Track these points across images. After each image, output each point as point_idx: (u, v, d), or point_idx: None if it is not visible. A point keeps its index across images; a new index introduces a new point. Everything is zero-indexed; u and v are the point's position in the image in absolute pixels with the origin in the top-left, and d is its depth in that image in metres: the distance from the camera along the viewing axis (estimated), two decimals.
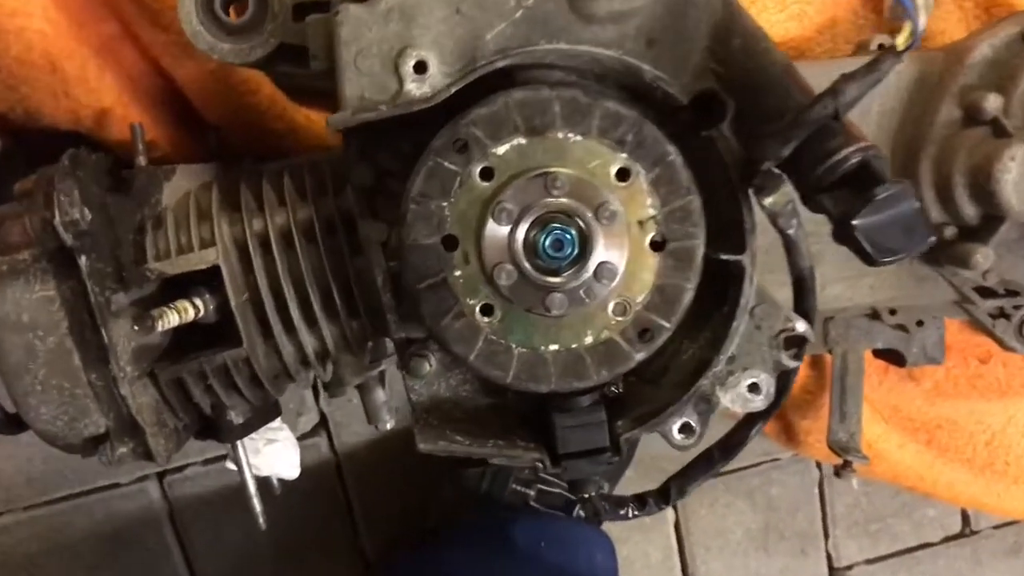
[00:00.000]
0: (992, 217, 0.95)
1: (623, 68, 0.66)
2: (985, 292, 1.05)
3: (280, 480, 0.90)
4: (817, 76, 0.98)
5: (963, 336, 1.21)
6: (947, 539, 1.40)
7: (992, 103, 0.94)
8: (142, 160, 0.78)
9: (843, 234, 0.60)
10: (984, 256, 0.95)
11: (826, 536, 1.36)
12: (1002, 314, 1.07)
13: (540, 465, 0.68)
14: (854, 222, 0.59)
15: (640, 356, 0.67)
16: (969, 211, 0.96)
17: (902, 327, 1.08)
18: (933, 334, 1.10)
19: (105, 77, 0.83)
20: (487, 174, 0.64)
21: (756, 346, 0.70)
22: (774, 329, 0.70)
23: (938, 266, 1.01)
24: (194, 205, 0.76)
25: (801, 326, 0.70)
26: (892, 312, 1.07)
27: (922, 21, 0.58)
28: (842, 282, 1.03)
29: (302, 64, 0.69)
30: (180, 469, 1.20)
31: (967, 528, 1.41)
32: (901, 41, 0.58)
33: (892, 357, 1.12)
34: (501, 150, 0.64)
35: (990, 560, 1.40)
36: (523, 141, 0.64)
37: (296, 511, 1.20)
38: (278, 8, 0.70)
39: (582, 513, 1.10)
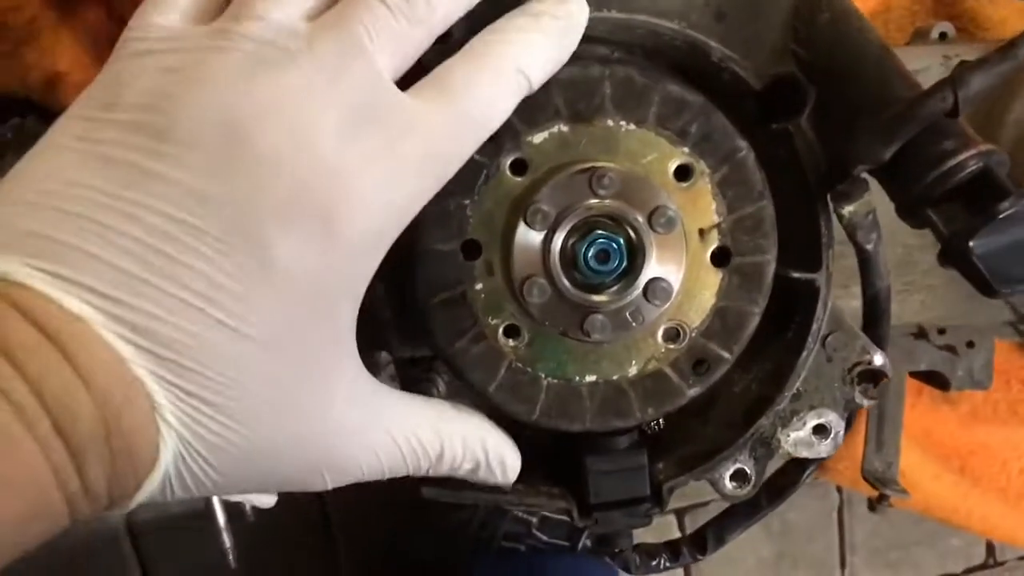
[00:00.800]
0: None
1: (686, 45, 0.54)
2: None
3: (254, 508, 0.79)
4: None
5: (1008, 357, 1.11)
6: (970, 570, 1.31)
7: None
8: None
9: (956, 257, 0.49)
10: None
11: (843, 565, 1.27)
12: None
13: (567, 517, 0.57)
14: (971, 243, 0.48)
15: (693, 392, 0.56)
16: None
17: (950, 348, 0.98)
18: (982, 357, 1.00)
19: (61, 36, 0.70)
20: (520, 167, 0.53)
21: (826, 381, 0.59)
22: (848, 361, 0.59)
23: None
24: None
25: (879, 359, 0.59)
26: (941, 331, 0.97)
27: None
28: None
29: None
30: None
31: (991, 559, 1.32)
32: None
33: (934, 380, 1.02)
34: (538, 139, 0.52)
35: None
36: (565, 128, 0.53)
37: (271, 540, 1.08)
38: None
39: (587, 543, 0.99)
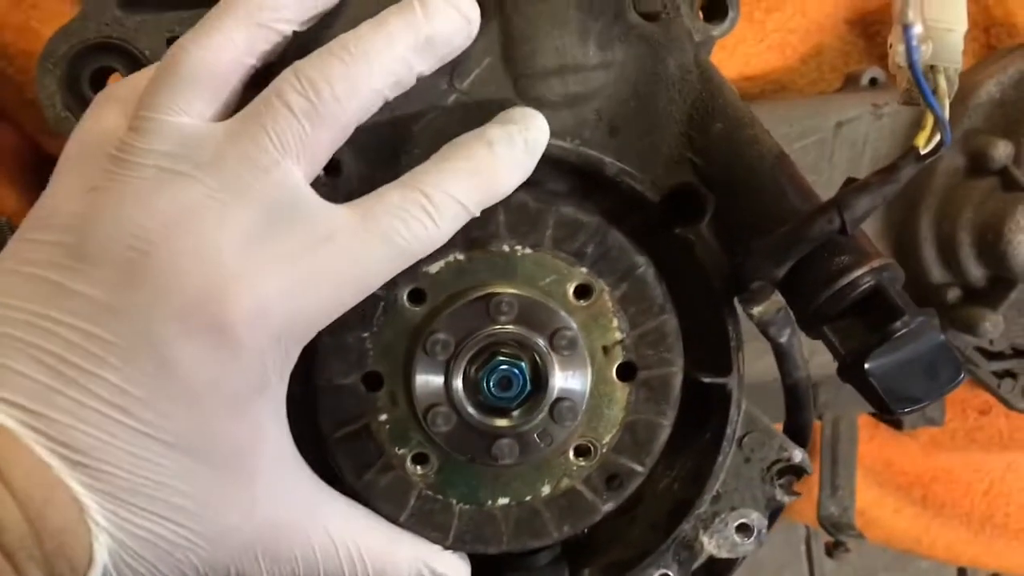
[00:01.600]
0: (1001, 279, 0.85)
1: (581, 161, 0.54)
2: (990, 354, 0.94)
3: None
4: (803, 113, 0.89)
5: (961, 388, 1.10)
6: None
7: (1001, 151, 0.83)
8: None
9: (852, 376, 0.49)
10: (993, 324, 0.84)
11: None
12: (1008, 374, 0.97)
13: None
14: (867, 365, 0.48)
15: (608, 507, 0.56)
16: (976, 273, 0.85)
17: None
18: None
19: None
20: (417, 297, 0.52)
21: (746, 481, 0.59)
22: (766, 460, 0.59)
23: None
24: None
25: (798, 455, 0.59)
26: None
27: (946, 111, 0.47)
28: None
29: None
30: None
31: None
32: (923, 138, 0.46)
33: (888, 420, 1.02)
34: (434, 268, 0.52)
35: None
36: (461, 256, 0.52)
37: None
38: None
39: None
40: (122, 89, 0.50)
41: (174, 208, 0.45)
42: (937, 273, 0.87)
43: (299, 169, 0.47)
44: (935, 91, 0.47)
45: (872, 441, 1.14)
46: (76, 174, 0.48)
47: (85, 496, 0.44)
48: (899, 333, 0.47)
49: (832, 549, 1.01)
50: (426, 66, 0.49)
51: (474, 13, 0.50)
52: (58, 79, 0.57)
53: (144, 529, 0.45)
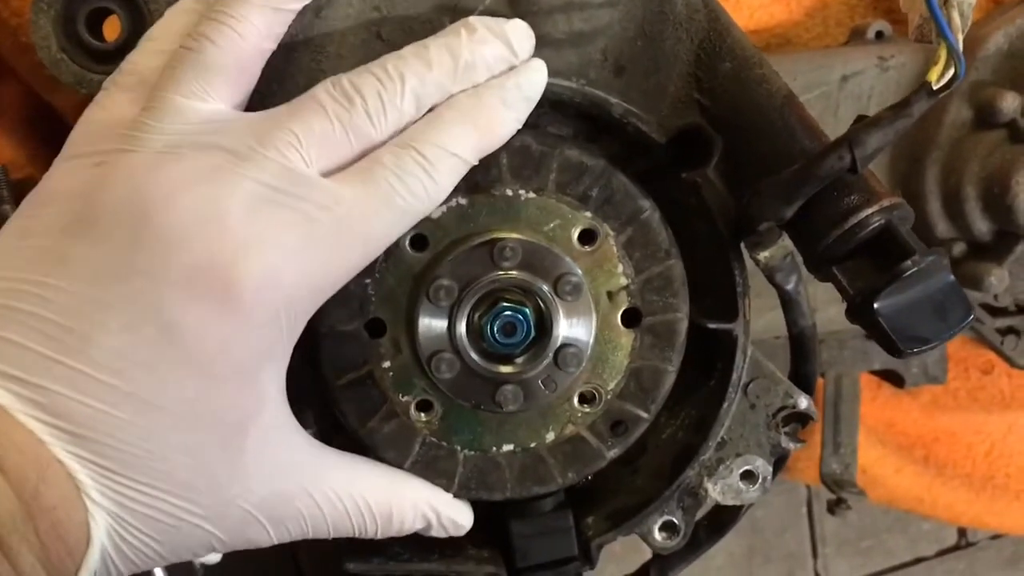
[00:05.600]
0: (1007, 234, 0.84)
1: (586, 102, 0.53)
2: (994, 310, 0.94)
3: (203, 564, 0.78)
4: (808, 66, 0.88)
5: (964, 346, 1.11)
6: (943, 552, 1.32)
7: (1009, 103, 0.82)
8: (9, 209, 0.64)
9: (861, 316, 0.48)
10: (998, 278, 0.84)
11: (815, 556, 1.27)
12: (1011, 331, 0.97)
13: None
14: (876, 304, 0.47)
15: (613, 453, 0.55)
16: (981, 227, 0.85)
17: None
18: (935, 352, 1.00)
19: None
20: (419, 243, 0.52)
21: (751, 428, 0.58)
22: (772, 407, 0.58)
23: None
24: None
25: (803, 402, 0.59)
26: None
27: (960, 45, 0.46)
28: (837, 304, 0.91)
29: None
30: None
31: (963, 540, 1.32)
32: (935, 73, 0.45)
33: (890, 378, 1.02)
34: (436, 213, 0.51)
35: (987, 572, 1.32)
36: (463, 201, 0.51)
37: None
38: None
39: None
40: (127, 77, 0.49)
41: (180, 175, 0.44)
42: (942, 227, 0.86)
43: (315, 164, 0.46)
44: (949, 25, 0.46)
45: (874, 401, 1.14)
46: (82, 155, 0.47)
47: (81, 473, 0.42)
48: (908, 272, 0.47)
49: (834, 506, 1.01)
50: (461, 88, 0.49)
51: (524, 45, 0.50)
52: (52, 20, 0.56)
53: (145, 505, 0.44)
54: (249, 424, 0.46)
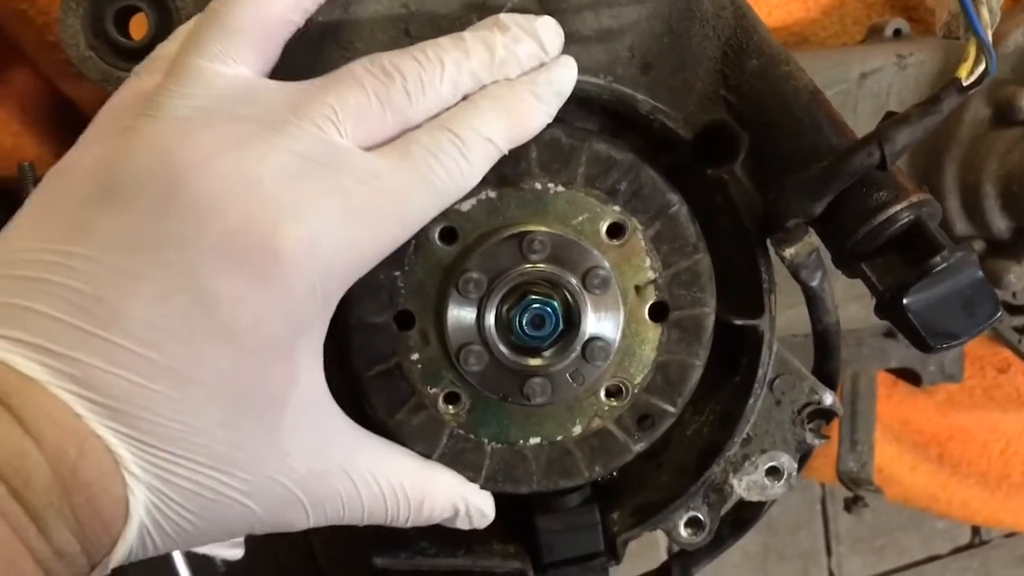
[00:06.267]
0: None
1: (614, 98, 0.53)
2: (1011, 307, 0.94)
3: (224, 560, 0.79)
4: (826, 64, 0.88)
5: (980, 344, 1.10)
6: (956, 550, 1.32)
7: None
8: None
9: (890, 312, 0.49)
10: (1017, 276, 0.84)
11: (829, 554, 1.28)
12: None
13: None
14: (905, 300, 0.47)
15: (640, 447, 0.56)
16: (1000, 224, 0.85)
17: None
18: (952, 351, 1.00)
19: None
20: (449, 236, 0.52)
21: (776, 424, 0.58)
22: (797, 403, 0.58)
23: None
24: None
25: (828, 398, 0.59)
26: None
27: (990, 37, 0.46)
28: (856, 301, 0.92)
29: None
30: None
31: (977, 538, 1.32)
32: (965, 69, 0.46)
33: (906, 376, 1.02)
34: (465, 206, 0.51)
35: (1000, 570, 1.32)
36: (492, 194, 0.52)
37: None
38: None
39: None
40: (155, 63, 0.49)
41: (212, 141, 0.43)
42: (961, 225, 0.86)
43: (351, 137, 0.45)
44: (979, 20, 0.46)
45: (890, 399, 1.14)
46: (106, 126, 0.46)
47: (120, 447, 0.41)
48: (938, 268, 0.47)
49: (851, 504, 1.01)
50: (494, 80, 0.49)
51: (554, 43, 0.50)
52: (81, 18, 0.56)
53: (186, 479, 0.43)
54: (286, 398, 0.45)
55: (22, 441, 0.40)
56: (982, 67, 0.46)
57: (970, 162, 0.85)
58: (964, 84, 0.46)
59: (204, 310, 0.42)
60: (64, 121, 0.75)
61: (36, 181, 0.65)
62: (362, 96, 0.45)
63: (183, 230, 0.42)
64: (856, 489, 0.99)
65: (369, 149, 0.46)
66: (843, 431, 1.01)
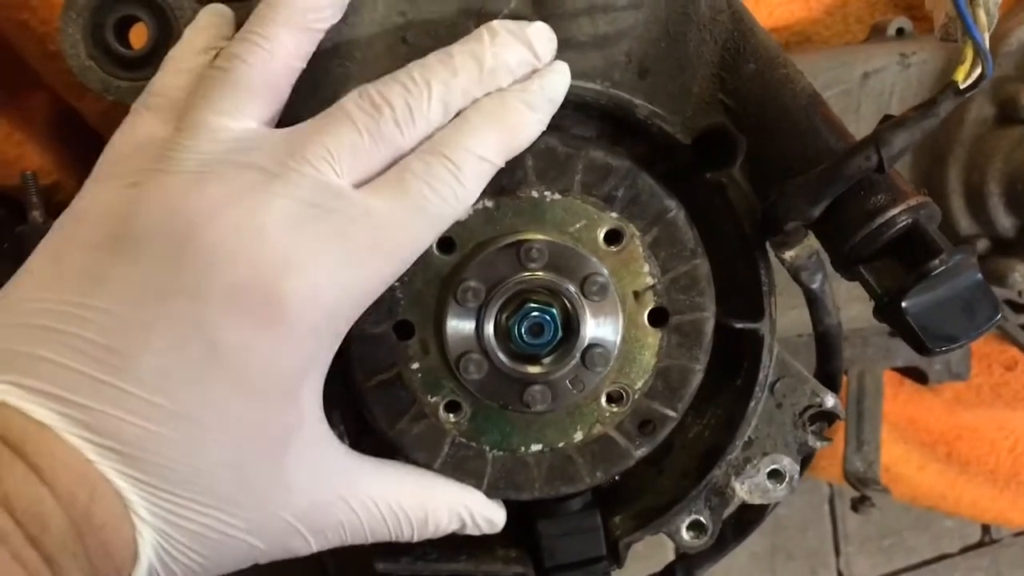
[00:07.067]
0: None
1: (611, 104, 0.53)
2: (1017, 306, 0.94)
3: None
4: (829, 64, 0.88)
5: (987, 342, 1.10)
6: (966, 549, 1.31)
7: None
8: (38, 215, 0.65)
9: (889, 316, 0.49)
10: (1022, 274, 0.84)
11: (837, 554, 1.27)
12: None
13: None
14: (904, 304, 0.47)
15: (641, 452, 0.55)
16: (1005, 223, 0.84)
17: None
18: (958, 349, 0.99)
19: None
20: (447, 245, 0.52)
21: (777, 427, 0.58)
22: (798, 406, 0.58)
23: None
24: None
25: (830, 400, 0.59)
26: None
27: (987, 43, 0.46)
28: (860, 301, 0.91)
29: None
30: None
31: (987, 537, 1.32)
32: (962, 72, 0.45)
33: (913, 374, 1.01)
34: (463, 216, 0.51)
35: (1010, 569, 1.31)
36: (489, 204, 0.52)
37: None
38: None
39: None
40: (154, 99, 0.50)
41: (219, 194, 0.44)
42: (965, 224, 0.86)
43: (347, 175, 0.46)
44: (975, 23, 0.46)
45: (896, 399, 1.13)
46: (114, 176, 0.47)
47: (129, 491, 0.43)
48: (936, 271, 0.47)
49: (857, 504, 1.01)
50: (486, 92, 0.49)
51: (546, 48, 0.50)
52: (81, 28, 0.56)
53: (191, 521, 0.44)
54: (291, 438, 0.47)
55: (38, 488, 0.41)
56: (979, 70, 0.45)
57: (974, 161, 0.85)
58: (961, 87, 0.46)
59: (213, 358, 0.43)
60: (67, 131, 0.75)
61: (38, 190, 0.66)
62: (354, 134, 0.46)
63: (193, 281, 0.43)
64: (863, 489, 0.99)
65: (364, 182, 0.47)
66: (849, 431, 1.01)
